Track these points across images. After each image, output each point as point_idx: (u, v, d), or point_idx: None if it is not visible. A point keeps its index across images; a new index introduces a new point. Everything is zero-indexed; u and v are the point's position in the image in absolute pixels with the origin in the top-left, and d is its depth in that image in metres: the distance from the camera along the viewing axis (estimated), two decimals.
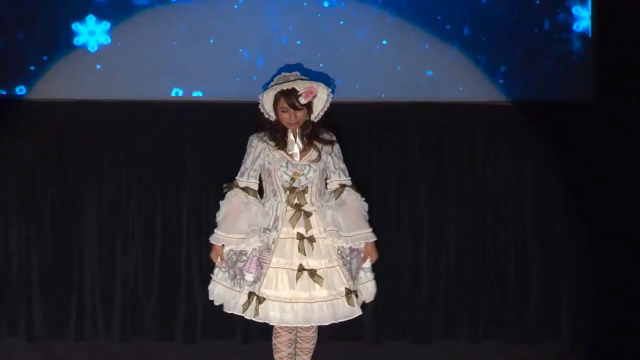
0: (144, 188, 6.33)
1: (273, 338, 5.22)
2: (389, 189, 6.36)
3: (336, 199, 5.17)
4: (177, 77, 6.26)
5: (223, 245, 5.16)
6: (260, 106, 5.15)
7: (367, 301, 5.31)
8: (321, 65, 6.20)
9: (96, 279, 6.31)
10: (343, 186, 5.19)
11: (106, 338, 6.32)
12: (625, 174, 6.18)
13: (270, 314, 5.04)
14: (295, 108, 5.06)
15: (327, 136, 5.20)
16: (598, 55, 6.23)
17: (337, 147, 5.24)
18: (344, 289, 5.05)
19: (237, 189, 5.17)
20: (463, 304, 6.34)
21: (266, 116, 5.16)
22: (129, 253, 6.32)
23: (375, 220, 6.17)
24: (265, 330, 6.28)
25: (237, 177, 5.21)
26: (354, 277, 5.14)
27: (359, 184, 5.29)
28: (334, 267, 5.08)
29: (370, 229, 5.23)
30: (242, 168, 5.21)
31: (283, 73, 5.21)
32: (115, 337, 6.33)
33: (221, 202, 5.19)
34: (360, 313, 5.11)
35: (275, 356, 5.24)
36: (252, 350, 6.31)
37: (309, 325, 5.10)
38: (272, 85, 5.11)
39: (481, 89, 6.30)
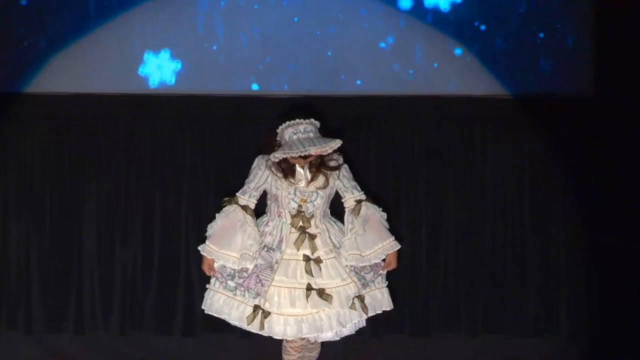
0: (142, 182, 6.34)
1: (283, 354, 5.25)
2: (388, 183, 6.37)
3: (356, 217, 5.16)
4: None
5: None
6: (278, 137, 5.13)
7: (385, 309, 5.26)
8: (329, 53, 6.21)
9: (95, 273, 6.31)
10: (359, 202, 5.20)
11: (105, 331, 6.33)
12: (624, 167, 6.19)
13: (274, 328, 5.06)
14: (306, 159, 5.09)
15: (333, 163, 5.17)
16: (597, 49, 6.23)
17: (344, 168, 5.19)
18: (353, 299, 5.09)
19: (236, 205, 5.13)
20: (462, 298, 6.35)
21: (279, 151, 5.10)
22: (127, 247, 6.32)
23: None
24: None
25: (238, 194, 5.16)
26: (367, 284, 5.15)
27: (373, 196, 5.28)
28: (347, 284, 5.10)
29: (392, 238, 5.24)
30: (245, 187, 5.18)
31: (297, 120, 5.14)
32: (114, 331, 6.34)
33: (218, 215, 5.16)
34: (361, 317, 5.10)
35: None
36: (251, 344, 6.31)
37: (315, 336, 5.12)
38: (287, 142, 5.03)
39: (480, 82, 6.31)
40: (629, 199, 6.20)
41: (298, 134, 5.02)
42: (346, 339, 6.27)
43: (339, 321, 5.05)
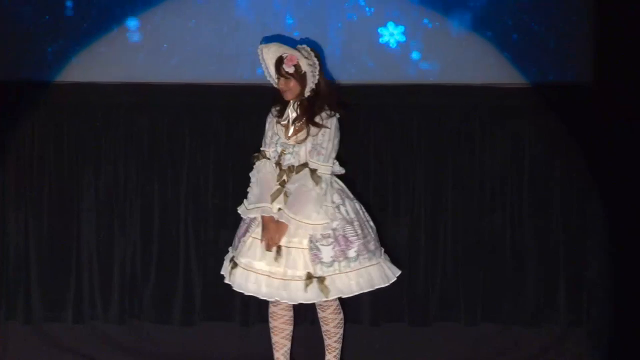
0: (141, 171, 6.33)
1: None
2: (386, 173, 6.35)
3: (295, 174, 5.15)
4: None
5: None
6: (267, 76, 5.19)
7: (347, 295, 5.21)
8: (329, 46, 6.22)
9: (94, 262, 6.31)
10: (305, 166, 5.16)
11: (104, 320, 6.32)
12: (624, 156, 6.17)
13: (237, 281, 5.13)
14: (283, 76, 5.08)
15: (317, 119, 5.15)
16: (597, 36, 6.20)
17: (326, 131, 5.16)
18: (305, 273, 5.05)
19: (264, 159, 5.24)
20: (461, 287, 6.34)
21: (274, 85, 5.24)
22: (126, 235, 6.31)
23: (372, 203, 6.21)
24: (264, 313, 6.32)
25: (262, 148, 5.29)
26: (325, 263, 5.10)
27: (327, 173, 5.21)
28: (301, 248, 5.07)
29: (279, 207, 5.12)
30: (263, 139, 5.29)
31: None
32: (113, 320, 6.33)
33: (251, 174, 5.21)
34: (316, 300, 5.08)
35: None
36: (251, 333, 6.32)
37: (274, 300, 5.14)
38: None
39: (480, 71, 6.29)
40: (628, 187, 6.18)
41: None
42: (345, 327, 6.33)
43: (296, 296, 5.06)
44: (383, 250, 5.49)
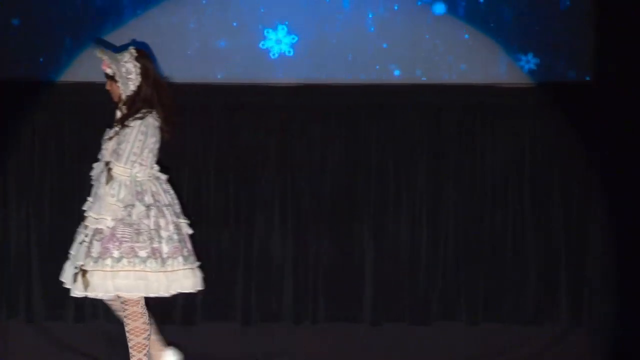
0: None
1: None
2: (387, 172, 6.36)
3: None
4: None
5: None
6: None
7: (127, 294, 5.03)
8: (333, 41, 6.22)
9: None
10: (107, 165, 5.06)
11: (105, 320, 6.31)
12: (625, 155, 6.18)
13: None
14: (105, 77, 5.12)
15: (128, 121, 5.03)
16: (598, 35, 6.22)
17: (126, 132, 5.01)
18: (80, 265, 4.96)
19: None
20: (461, 286, 6.35)
21: None
22: None
23: (374, 202, 6.22)
24: (265, 312, 6.32)
25: None
26: (92, 258, 4.97)
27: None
28: (85, 241, 5.03)
29: (89, 213, 5.06)
30: None
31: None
32: (114, 319, 6.29)
33: None
34: (80, 292, 4.95)
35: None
36: (252, 332, 6.33)
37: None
38: None
39: (479, 70, 6.30)
40: (628, 184, 6.20)
41: None
42: (345, 327, 6.32)
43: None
44: (182, 265, 5.17)
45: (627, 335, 6.10)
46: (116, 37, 6.20)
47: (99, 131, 6.24)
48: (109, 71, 5.07)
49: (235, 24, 6.30)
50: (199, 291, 5.23)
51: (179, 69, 6.26)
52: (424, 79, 6.31)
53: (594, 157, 6.23)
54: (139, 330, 5.12)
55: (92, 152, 6.26)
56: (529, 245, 6.34)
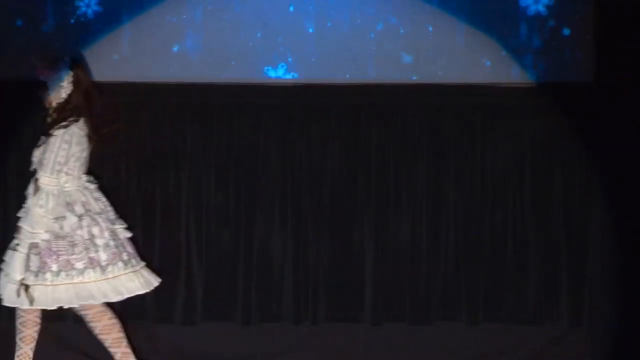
0: (142, 169, 6.33)
1: None
2: (387, 172, 6.36)
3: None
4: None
5: None
6: None
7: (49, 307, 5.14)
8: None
9: None
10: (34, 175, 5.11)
11: None
12: (625, 155, 6.19)
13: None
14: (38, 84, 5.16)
15: (54, 130, 5.07)
16: (598, 35, 6.22)
17: (50, 142, 5.04)
18: (20, 278, 5.02)
19: None
20: (462, 286, 6.35)
21: None
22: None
23: (374, 202, 6.22)
24: (266, 313, 6.32)
25: None
26: (32, 272, 5.02)
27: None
28: (22, 253, 5.06)
29: (23, 225, 5.11)
30: None
31: None
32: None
33: None
34: (21, 306, 5.05)
35: None
36: (252, 332, 6.33)
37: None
38: None
39: (479, 70, 6.30)
40: (629, 185, 6.20)
41: None
42: (345, 327, 6.31)
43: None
44: (124, 270, 5.27)
45: (627, 335, 6.10)
46: (116, 36, 6.20)
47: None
48: (42, 77, 5.08)
49: (235, 24, 6.30)
50: (151, 290, 5.32)
51: (179, 69, 6.27)
52: (424, 79, 6.30)
53: (594, 158, 6.23)
54: (108, 328, 5.18)
55: (91, 152, 6.31)
56: (529, 245, 6.34)
